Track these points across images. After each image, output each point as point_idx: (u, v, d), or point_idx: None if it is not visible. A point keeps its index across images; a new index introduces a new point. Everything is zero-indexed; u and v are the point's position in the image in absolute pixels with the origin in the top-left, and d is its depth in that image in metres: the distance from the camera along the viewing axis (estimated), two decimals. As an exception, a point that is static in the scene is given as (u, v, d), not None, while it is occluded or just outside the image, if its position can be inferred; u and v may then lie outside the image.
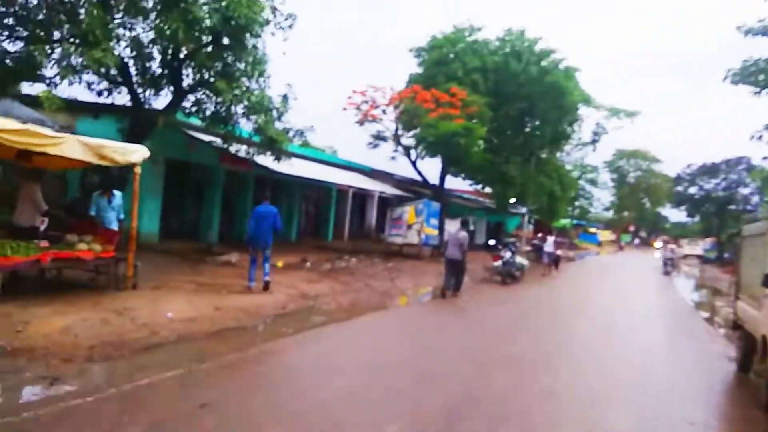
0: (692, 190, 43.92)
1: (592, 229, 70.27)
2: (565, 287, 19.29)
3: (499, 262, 16.48)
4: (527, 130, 31.45)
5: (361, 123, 22.45)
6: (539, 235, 27.56)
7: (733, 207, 42.39)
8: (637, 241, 76.60)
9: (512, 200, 32.97)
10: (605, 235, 75.33)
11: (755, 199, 40.75)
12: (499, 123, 29.54)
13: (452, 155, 22.27)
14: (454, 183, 33.04)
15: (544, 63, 27.68)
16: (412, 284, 15.24)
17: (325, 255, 18.39)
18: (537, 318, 12.27)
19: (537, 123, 30.83)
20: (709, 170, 42.70)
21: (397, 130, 22.91)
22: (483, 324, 10.99)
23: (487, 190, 31.67)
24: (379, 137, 23.63)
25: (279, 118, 12.46)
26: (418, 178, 25.47)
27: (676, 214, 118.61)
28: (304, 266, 15.53)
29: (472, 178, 30.59)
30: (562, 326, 11.46)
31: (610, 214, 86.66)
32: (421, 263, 19.81)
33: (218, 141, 13.55)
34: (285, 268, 14.37)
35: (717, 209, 43.53)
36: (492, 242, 20.50)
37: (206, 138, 14.10)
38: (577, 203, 56.52)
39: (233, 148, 13.60)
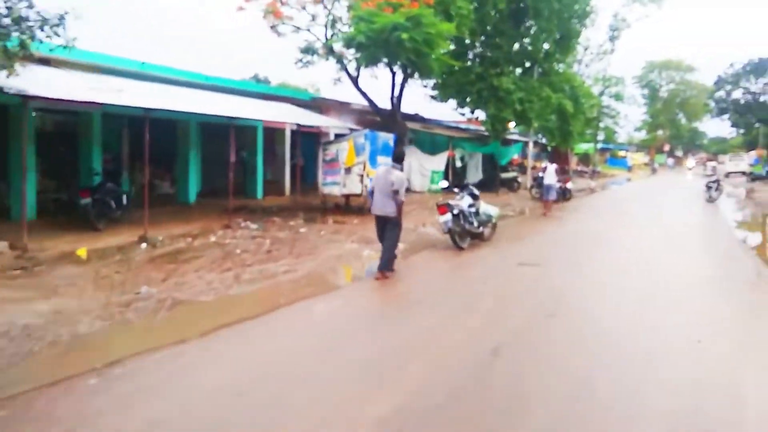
0: (736, 94, 35.95)
1: (622, 153, 62.57)
2: (559, 240, 12.96)
3: (446, 216, 10.05)
4: (526, 30, 24.29)
5: (273, 28, 15.88)
6: (543, 165, 20.97)
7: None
8: (671, 161, 68.43)
9: (511, 124, 26.28)
10: (637, 158, 67.64)
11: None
12: (485, 24, 22.54)
13: (401, 61, 15.63)
14: (441, 111, 26.42)
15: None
16: (320, 262, 9.23)
17: (222, 221, 12.49)
18: (493, 322, 6.15)
19: (535, 20, 23.64)
20: (756, 68, 34.58)
21: (327, 35, 16.30)
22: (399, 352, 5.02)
23: (481, 115, 24.94)
24: (309, 50, 17.08)
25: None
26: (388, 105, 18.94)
27: (715, 128, 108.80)
28: (137, 250, 9.61)
29: (455, 99, 23.91)
30: (525, 341, 5.44)
31: (642, 134, 78.69)
32: (363, 221, 13.67)
33: None
34: (97, 257, 8.65)
35: (767, 115, 35.71)
36: (444, 184, 14.18)
37: None
38: (601, 124, 48.97)
39: None
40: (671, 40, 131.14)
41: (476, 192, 11.17)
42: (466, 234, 10.57)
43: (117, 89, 10.91)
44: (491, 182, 24.80)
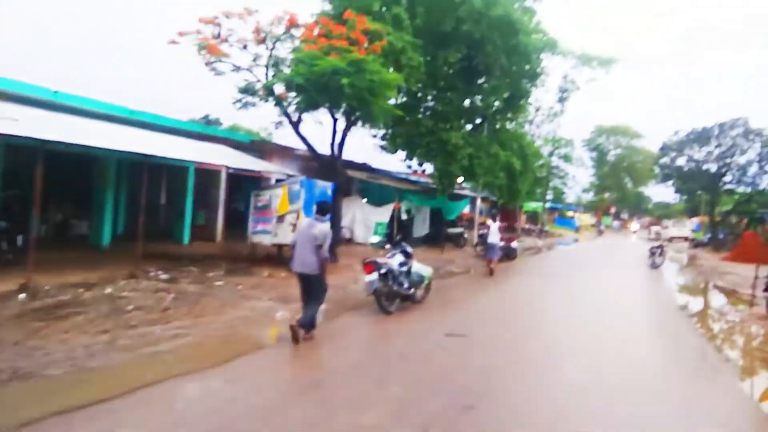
0: (681, 161, 36.96)
1: (570, 213, 63.72)
2: (495, 307, 12.15)
3: (371, 276, 9.08)
4: (477, 87, 24.27)
5: (209, 65, 14.97)
6: (487, 223, 20.46)
7: (728, 179, 35.50)
8: (616, 224, 70.13)
9: (460, 179, 25.93)
10: (585, 219, 69.05)
11: (752, 169, 34.09)
12: (437, 77, 22.36)
13: (343, 107, 14.97)
14: (393, 162, 25.83)
15: (490, -11, 20.63)
16: (221, 325, 8.04)
17: (131, 268, 11.15)
18: (399, 416, 5.10)
19: (486, 78, 23.68)
20: (699, 137, 35.73)
21: (268, 76, 15.51)
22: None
23: (429, 168, 24.47)
24: (248, 90, 16.22)
25: None
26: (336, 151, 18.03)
27: (660, 193, 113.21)
28: (12, 301, 8.21)
29: (404, 150, 23.41)
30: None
31: (590, 196, 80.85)
32: (291, 275, 12.53)
33: None
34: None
35: (709, 183, 36.75)
36: (374, 239, 13.34)
37: None
38: (551, 184, 49.75)
39: None
40: (621, 106, 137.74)
41: (409, 249, 10.28)
42: (394, 296, 9.60)
43: (11, 117, 9.68)
44: (438, 237, 24.16)
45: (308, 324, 7.50)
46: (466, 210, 26.34)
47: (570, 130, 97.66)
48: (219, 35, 14.71)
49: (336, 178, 16.03)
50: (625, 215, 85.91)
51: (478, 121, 26.14)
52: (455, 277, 16.42)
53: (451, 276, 16.60)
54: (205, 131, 18.17)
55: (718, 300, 15.47)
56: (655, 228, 64.19)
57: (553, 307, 12.18)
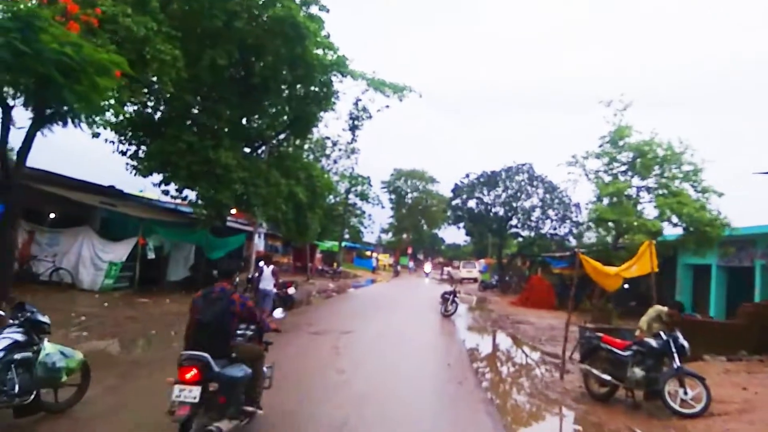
0: (471, 203, 37.29)
1: (368, 253, 62.81)
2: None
3: None
4: (254, 103, 20.41)
5: None
6: (259, 265, 16.38)
7: (514, 222, 36.56)
8: (411, 264, 71.34)
9: (232, 210, 21.64)
10: (383, 259, 68.99)
11: (536, 213, 35.42)
12: (201, 81, 18.05)
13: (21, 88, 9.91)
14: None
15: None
16: None
17: None
18: None
19: (267, 96, 20.01)
20: (489, 180, 36.39)
21: None
22: None
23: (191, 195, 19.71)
24: None
25: None
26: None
27: (451, 235, 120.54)
28: None
29: (161, 173, 18.49)
30: None
31: (389, 236, 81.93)
32: None
33: None
34: None
35: (497, 226, 37.53)
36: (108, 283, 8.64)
37: None
38: (351, 222, 47.89)
39: None
40: (418, 151, 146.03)
41: (43, 319, 5.66)
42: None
43: None
44: (204, 281, 19.35)
45: None
46: (238, 248, 21.76)
47: (373, 172, 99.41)
48: None
49: (11, 197, 10.65)
50: (420, 256, 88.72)
51: (258, 144, 22.30)
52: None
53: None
54: None
55: (518, 368, 13.17)
56: (447, 269, 66.58)
57: (324, 384, 8.43)
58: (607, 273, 10.38)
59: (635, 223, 16.74)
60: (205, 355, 4.77)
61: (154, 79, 15.55)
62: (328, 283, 30.92)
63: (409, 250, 78.11)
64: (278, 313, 7.26)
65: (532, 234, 36.25)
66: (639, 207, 18.48)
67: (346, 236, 51.04)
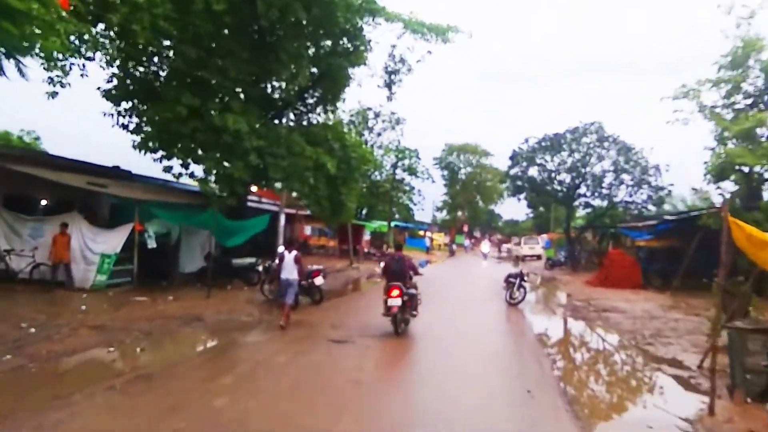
0: (533, 171, 32.90)
1: (421, 232, 59.13)
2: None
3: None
4: (272, 61, 17.08)
5: None
6: (280, 251, 13.15)
7: (582, 191, 31.92)
8: (467, 243, 67.07)
9: (253, 187, 18.67)
10: (437, 239, 65.12)
11: (608, 179, 30.66)
12: (199, 32, 14.89)
13: None
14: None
15: None
16: None
17: None
18: None
19: (283, 46, 16.63)
20: (552, 143, 31.86)
21: None
22: None
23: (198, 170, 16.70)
24: None
25: None
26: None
27: (509, 211, 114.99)
28: None
29: (163, 149, 15.57)
30: None
31: (444, 214, 77.97)
32: None
33: None
34: None
35: (563, 195, 33.03)
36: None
37: None
38: (401, 199, 44.32)
39: None
40: (471, 124, 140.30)
41: None
42: None
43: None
44: (220, 272, 16.41)
45: None
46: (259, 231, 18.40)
47: (418, 147, 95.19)
48: None
49: None
50: (477, 233, 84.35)
51: (279, 109, 19.04)
52: (218, 342, 8.87)
53: (224, 335, 9.07)
54: None
55: (633, 390, 9.35)
56: (506, 246, 61.91)
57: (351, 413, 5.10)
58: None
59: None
60: (399, 283, 10.99)
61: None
62: (375, 268, 27.61)
63: (465, 228, 73.87)
64: (421, 269, 12.70)
65: (605, 203, 31.57)
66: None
67: (397, 216, 47.59)
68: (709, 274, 19.11)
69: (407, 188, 40.71)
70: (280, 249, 13.32)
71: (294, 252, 12.23)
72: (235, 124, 14.81)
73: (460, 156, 76.34)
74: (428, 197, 77.68)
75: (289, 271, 11.88)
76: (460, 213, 78.32)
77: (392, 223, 43.69)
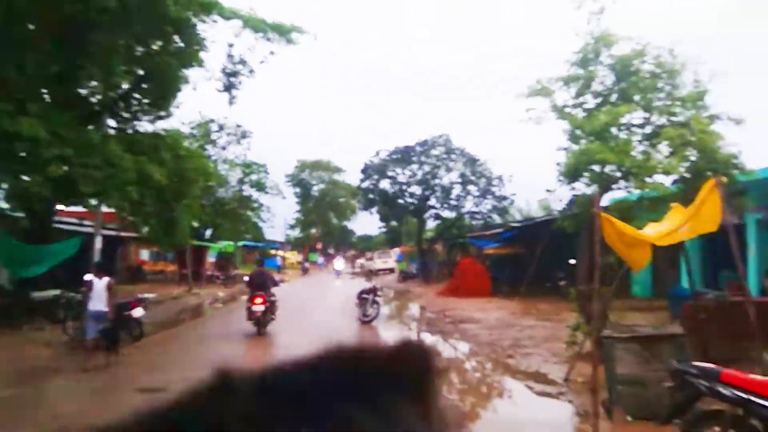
0: (384, 184, 32.77)
1: (273, 251, 56.85)
2: None
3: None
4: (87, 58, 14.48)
5: None
6: (88, 278, 10.73)
7: (432, 203, 32.44)
8: (321, 260, 66.26)
9: (59, 206, 15.78)
10: (290, 257, 63.24)
11: (456, 190, 31.46)
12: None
13: None
14: None
15: None
16: None
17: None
18: None
19: (89, 34, 14.18)
20: (402, 156, 32.03)
21: None
22: None
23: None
24: None
25: None
26: None
27: (363, 226, 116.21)
28: None
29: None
30: None
31: (297, 232, 76.36)
32: None
33: None
34: None
35: (416, 207, 33.30)
36: None
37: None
38: (249, 219, 41.78)
39: None
40: (321, 141, 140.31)
41: None
42: None
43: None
44: (14, 309, 13.34)
45: None
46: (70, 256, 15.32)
47: (275, 168, 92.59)
48: None
49: None
50: (331, 250, 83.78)
51: (95, 113, 16.34)
52: None
53: None
54: None
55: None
56: (359, 260, 61.83)
57: None
58: (644, 240, 6.01)
59: (650, 164, 12.00)
60: (262, 292, 13.07)
61: None
62: (218, 292, 25.19)
63: (319, 246, 72.99)
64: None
65: (454, 214, 32.36)
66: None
67: (247, 236, 45.00)
68: (554, 278, 19.93)
69: (256, 205, 38.48)
70: (88, 276, 10.94)
71: (106, 279, 10.20)
72: (30, 131, 12.16)
73: (312, 173, 75.59)
74: (280, 215, 75.52)
75: (98, 301, 9.94)
76: (313, 230, 77.36)
77: (240, 243, 41.12)
